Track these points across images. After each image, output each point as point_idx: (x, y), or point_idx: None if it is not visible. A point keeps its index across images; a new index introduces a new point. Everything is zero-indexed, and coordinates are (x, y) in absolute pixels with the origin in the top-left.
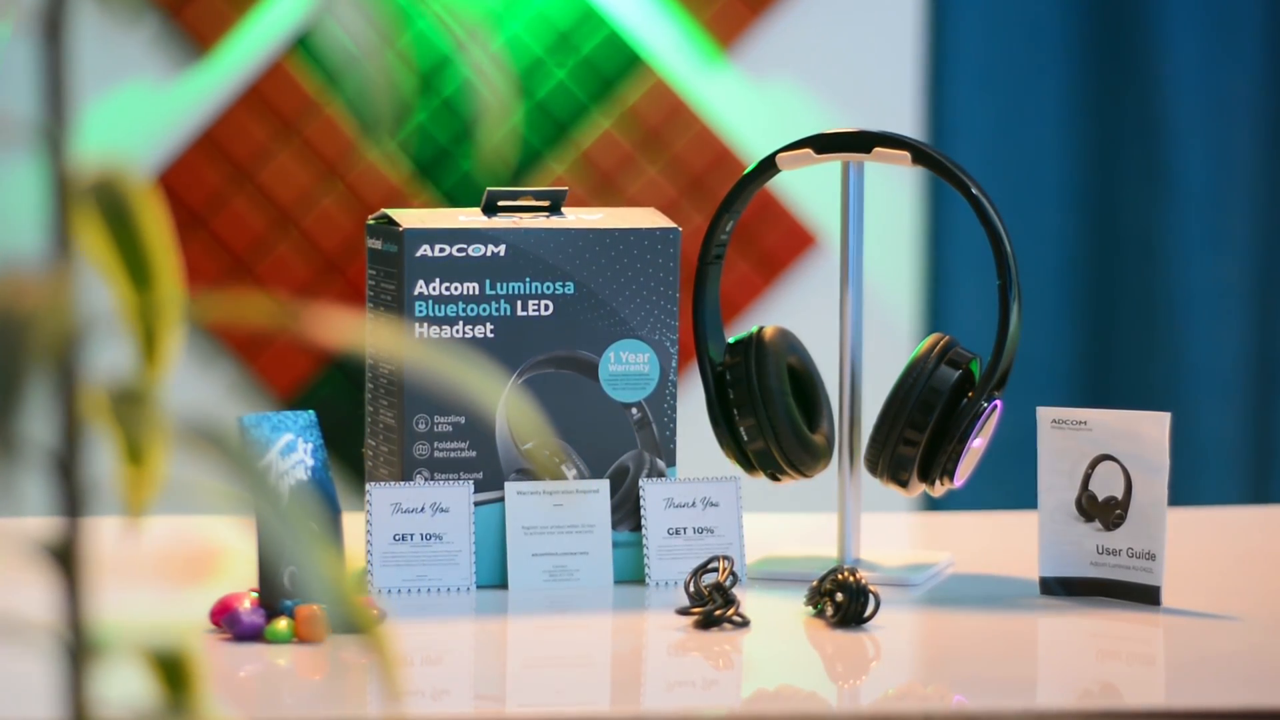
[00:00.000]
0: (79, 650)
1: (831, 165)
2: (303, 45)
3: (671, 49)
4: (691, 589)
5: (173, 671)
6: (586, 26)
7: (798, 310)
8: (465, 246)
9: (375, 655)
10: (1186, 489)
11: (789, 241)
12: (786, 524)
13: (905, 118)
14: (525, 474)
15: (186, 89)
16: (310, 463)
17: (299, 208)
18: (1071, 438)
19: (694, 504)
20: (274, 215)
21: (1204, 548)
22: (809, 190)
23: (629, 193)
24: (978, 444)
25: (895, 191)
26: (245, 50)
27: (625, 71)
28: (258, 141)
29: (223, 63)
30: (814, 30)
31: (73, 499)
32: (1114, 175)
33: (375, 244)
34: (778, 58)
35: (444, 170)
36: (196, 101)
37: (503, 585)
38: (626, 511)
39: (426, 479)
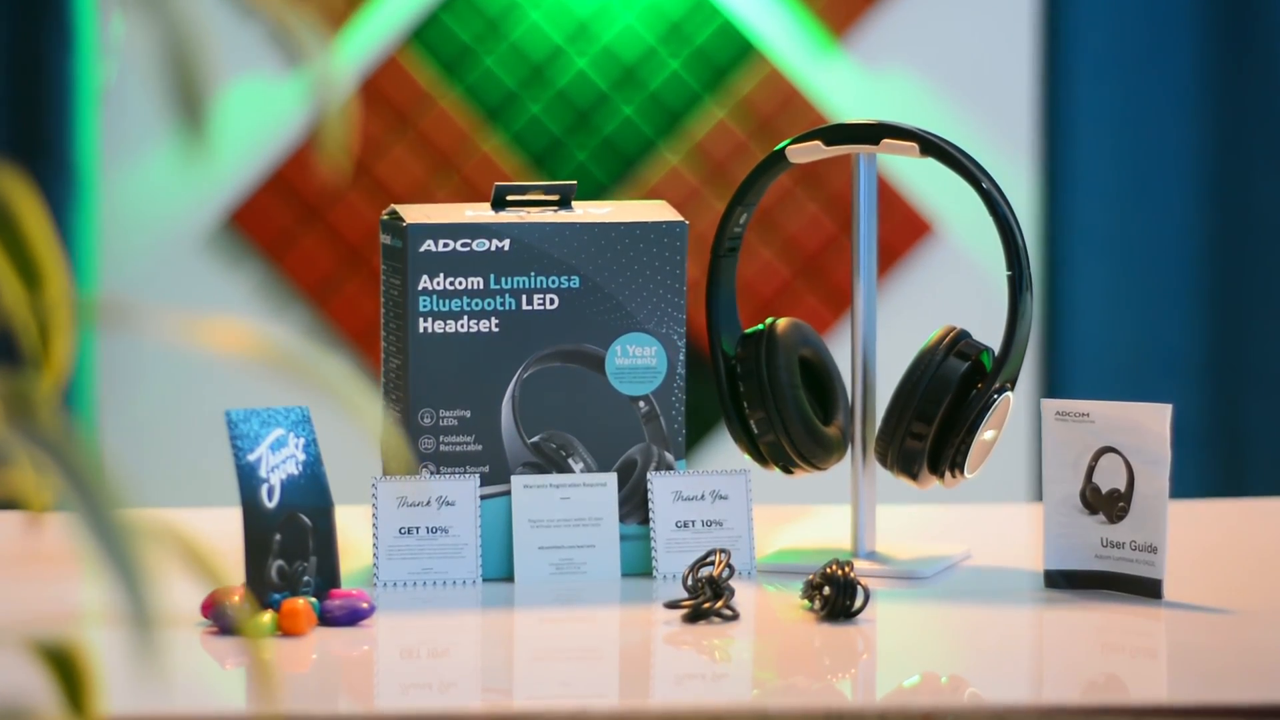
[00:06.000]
0: None
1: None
2: (417, 39)
3: (785, 38)
4: (689, 582)
5: (64, 667)
6: (699, 16)
7: (913, 299)
8: (469, 241)
9: (253, 658)
10: None
11: (904, 229)
12: (807, 516)
13: (1022, 107)
14: (532, 467)
15: (302, 84)
16: (302, 457)
17: (414, 199)
18: (1075, 430)
19: (703, 497)
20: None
21: (1208, 540)
22: (924, 177)
23: None
24: (989, 436)
25: (1010, 180)
26: (360, 45)
27: (738, 61)
28: (373, 134)
29: (337, 57)
30: (929, 18)
31: None
32: (1243, 163)
33: (386, 239)
34: (892, 46)
35: (558, 160)
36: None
37: (509, 578)
38: (634, 505)
39: (433, 472)
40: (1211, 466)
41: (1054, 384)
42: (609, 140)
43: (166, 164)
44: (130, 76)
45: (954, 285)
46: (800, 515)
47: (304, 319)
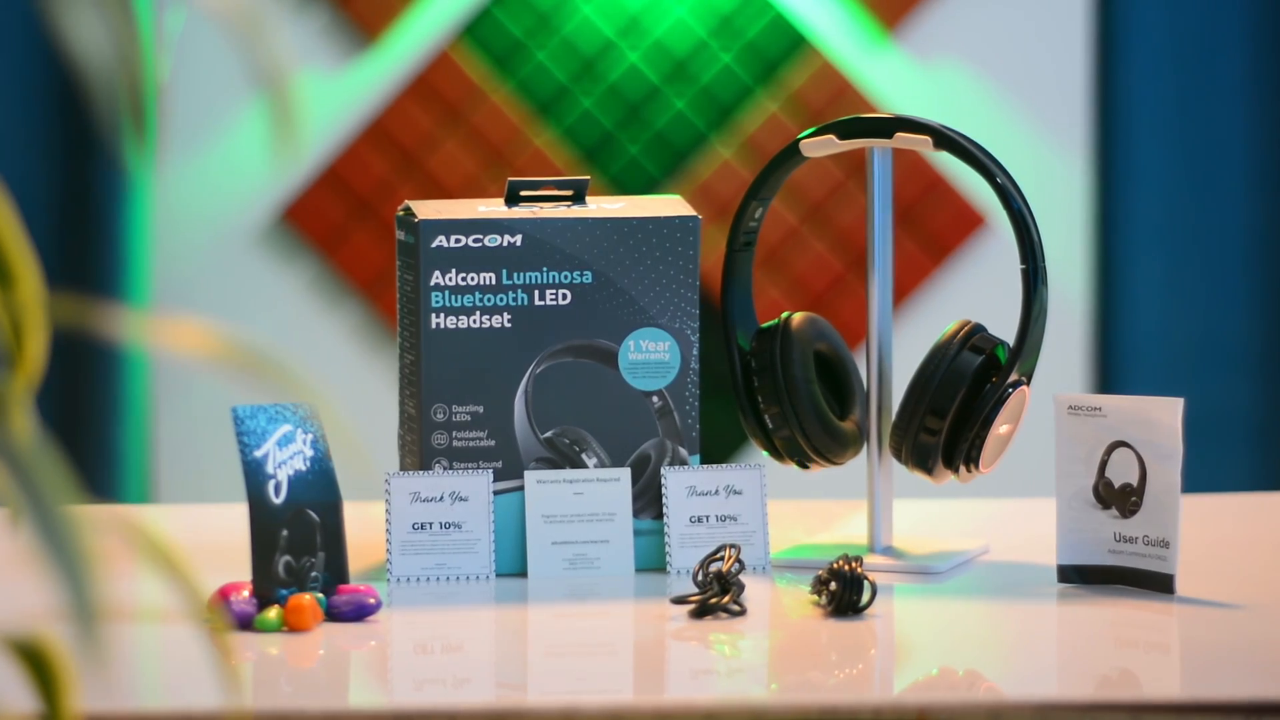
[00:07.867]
0: None
1: (998, 143)
2: (468, 34)
3: (836, 31)
4: (699, 578)
5: (39, 664)
6: (750, 9)
7: (967, 291)
8: (481, 237)
9: (217, 653)
10: None
11: (957, 222)
12: (823, 511)
13: (1076, 99)
14: (545, 462)
15: (355, 79)
16: (310, 453)
17: (466, 194)
18: (1087, 424)
19: (717, 492)
20: None
21: (1228, 534)
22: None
23: (795, 175)
24: (1005, 430)
25: (1065, 174)
26: (412, 39)
27: (790, 54)
28: (425, 130)
29: (390, 52)
30: (981, 9)
31: None
32: None
33: (400, 235)
34: (944, 39)
35: (609, 155)
36: (365, 91)
37: (522, 574)
38: (648, 500)
39: (446, 468)
40: (1270, 461)
41: (1110, 378)
42: (661, 134)
43: (219, 160)
44: (182, 72)
45: (1006, 278)
46: (816, 510)
47: (357, 314)
